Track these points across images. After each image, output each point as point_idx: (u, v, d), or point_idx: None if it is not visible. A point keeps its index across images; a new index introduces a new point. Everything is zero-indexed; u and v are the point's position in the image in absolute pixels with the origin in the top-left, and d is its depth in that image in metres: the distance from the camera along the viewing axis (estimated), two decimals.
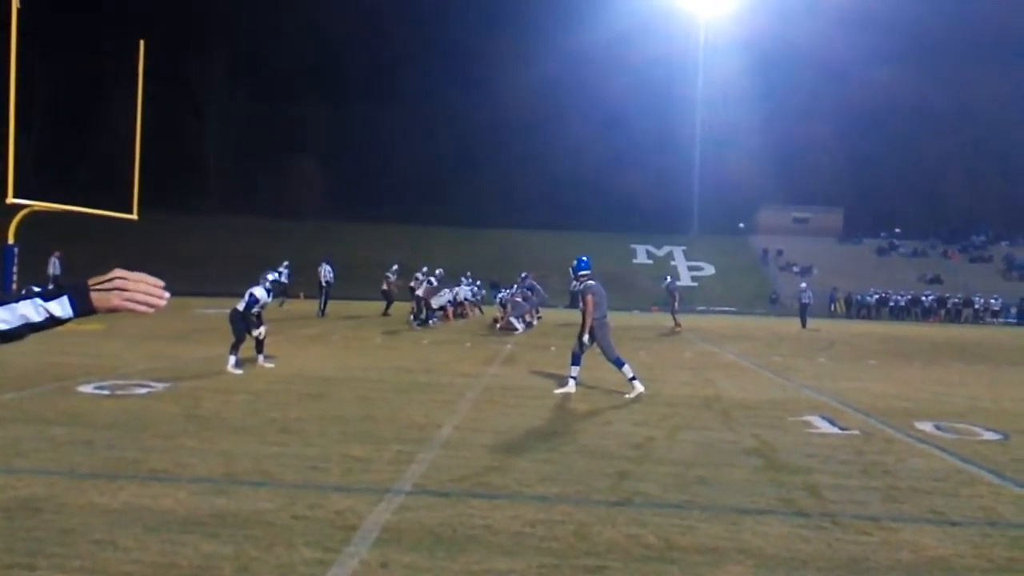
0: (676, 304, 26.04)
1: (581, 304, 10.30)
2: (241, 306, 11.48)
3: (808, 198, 69.55)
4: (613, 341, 10.42)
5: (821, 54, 70.34)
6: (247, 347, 11.53)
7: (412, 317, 22.27)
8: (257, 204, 66.04)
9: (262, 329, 11.86)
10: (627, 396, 9.85)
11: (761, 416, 8.88)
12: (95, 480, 5.35)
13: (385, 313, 25.59)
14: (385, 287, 26.09)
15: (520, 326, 22.24)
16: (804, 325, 28.81)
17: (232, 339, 11.34)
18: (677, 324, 25.09)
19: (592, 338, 10.22)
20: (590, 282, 10.31)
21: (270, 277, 12.11)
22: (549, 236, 58.81)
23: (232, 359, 11.15)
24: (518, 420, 8.14)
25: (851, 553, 4.41)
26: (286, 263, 26.25)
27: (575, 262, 10.71)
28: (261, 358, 11.85)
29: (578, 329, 10.43)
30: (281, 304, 25.67)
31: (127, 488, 5.18)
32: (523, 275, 26.25)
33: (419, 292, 22.58)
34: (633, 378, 10.06)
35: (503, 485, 5.58)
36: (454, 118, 76.93)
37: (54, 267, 28.99)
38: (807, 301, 29.81)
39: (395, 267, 26.99)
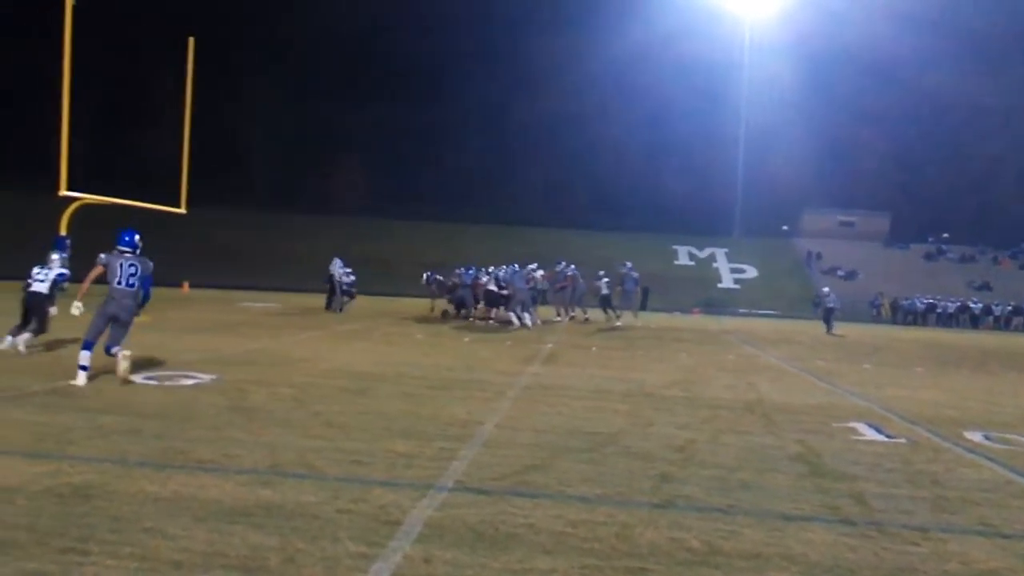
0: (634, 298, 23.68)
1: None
2: (46, 287, 11.59)
3: (854, 201, 68.53)
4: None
5: (868, 55, 69.15)
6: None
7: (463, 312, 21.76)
8: (301, 201, 66.88)
9: (53, 309, 11.71)
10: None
11: (805, 421, 8.78)
12: (144, 469, 5.46)
13: (448, 313, 24.45)
14: (449, 284, 24.80)
15: (518, 321, 21.28)
16: (829, 330, 27.85)
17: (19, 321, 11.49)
18: (617, 316, 22.26)
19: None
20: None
21: (54, 256, 12.11)
22: (590, 236, 58.68)
23: (8, 339, 11.34)
24: (559, 419, 8.13)
25: (898, 563, 4.34)
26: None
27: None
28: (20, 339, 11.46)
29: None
30: (341, 308, 25.31)
31: (175, 477, 5.27)
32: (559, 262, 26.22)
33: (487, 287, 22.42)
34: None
35: (545, 484, 5.58)
36: (496, 117, 77.02)
37: None
38: (831, 305, 28.73)
39: (468, 271, 24.45)
